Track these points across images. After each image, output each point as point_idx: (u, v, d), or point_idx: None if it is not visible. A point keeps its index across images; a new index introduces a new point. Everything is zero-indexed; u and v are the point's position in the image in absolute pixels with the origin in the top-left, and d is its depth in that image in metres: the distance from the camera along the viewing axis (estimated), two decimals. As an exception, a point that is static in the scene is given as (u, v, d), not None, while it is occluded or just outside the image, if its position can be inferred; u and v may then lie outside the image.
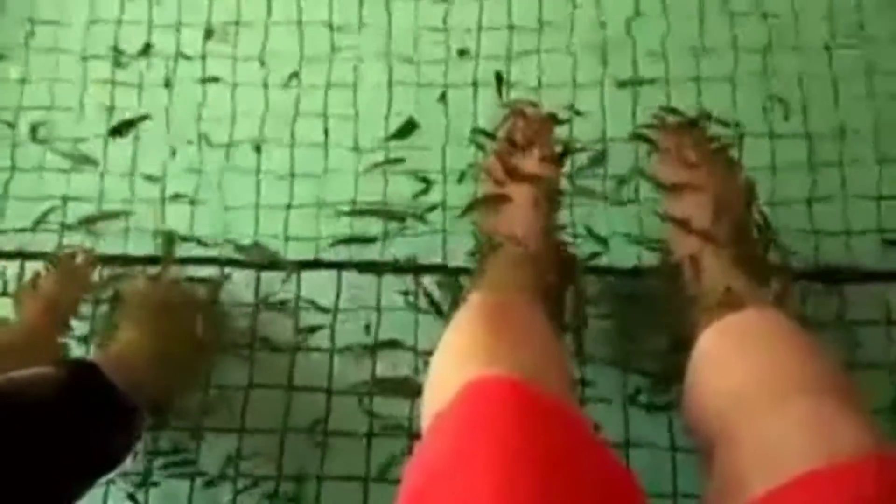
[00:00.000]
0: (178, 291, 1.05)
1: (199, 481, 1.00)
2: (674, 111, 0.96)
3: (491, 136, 0.92)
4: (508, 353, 0.61)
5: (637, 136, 0.98)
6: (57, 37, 1.19)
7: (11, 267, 1.10)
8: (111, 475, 0.86)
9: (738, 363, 0.65)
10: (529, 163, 0.86)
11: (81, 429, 0.77)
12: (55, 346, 0.98)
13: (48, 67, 1.18)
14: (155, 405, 0.94)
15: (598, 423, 0.94)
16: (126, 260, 1.09)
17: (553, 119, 0.91)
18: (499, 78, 1.12)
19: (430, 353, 0.70)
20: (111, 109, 1.15)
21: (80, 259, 1.04)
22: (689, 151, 0.84)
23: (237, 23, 1.18)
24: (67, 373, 0.78)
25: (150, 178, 1.12)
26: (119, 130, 1.14)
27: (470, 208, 0.92)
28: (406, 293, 1.04)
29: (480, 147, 1.00)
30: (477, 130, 1.05)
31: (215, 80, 1.16)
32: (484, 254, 0.85)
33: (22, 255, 1.10)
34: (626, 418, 0.97)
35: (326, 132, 1.12)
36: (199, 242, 1.09)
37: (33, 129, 1.15)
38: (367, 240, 1.07)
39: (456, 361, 0.62)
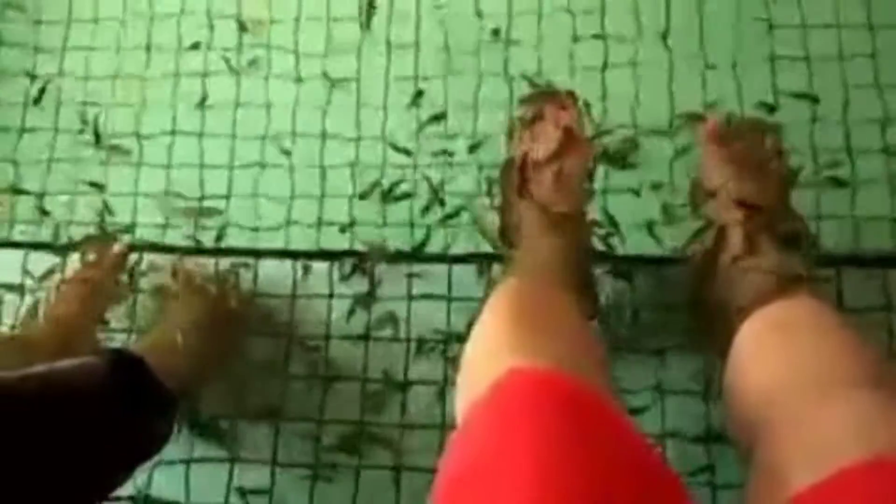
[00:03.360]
0: (217, 282, 1.05)
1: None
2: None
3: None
4: (544, 343, 0.60)
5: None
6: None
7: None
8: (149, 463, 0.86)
9: (782, 355, 0.64)
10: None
11: (123, 418, 0.78)
12: (91, 340, 0.98)
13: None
14: (185, 392, 0.93)
15: (634, 412, 0.93)
16: (163, 249, 1.10)
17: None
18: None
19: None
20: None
21: (115, 248, 1.04)
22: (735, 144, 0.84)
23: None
24: (110, 363, 0.79)
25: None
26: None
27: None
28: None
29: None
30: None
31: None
32: (516, 238, 0.85)
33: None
34: (663, 408, 0.95)
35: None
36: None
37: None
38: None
39: (491, 351, 0.62)
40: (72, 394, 0.75)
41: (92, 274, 1.00)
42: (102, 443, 0.76)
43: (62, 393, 0.74)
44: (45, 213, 1.14)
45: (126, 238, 1.10)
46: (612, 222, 1.02)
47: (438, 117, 1.10)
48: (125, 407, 0.78)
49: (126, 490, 0.96)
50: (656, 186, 1.03)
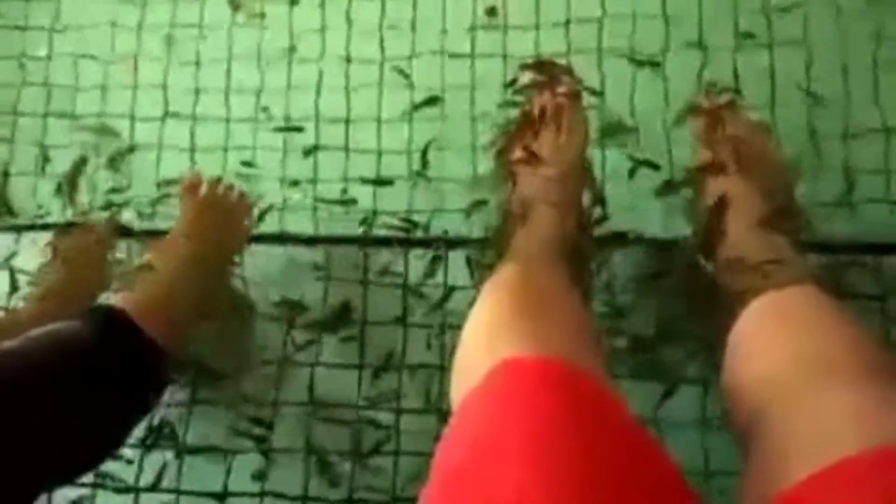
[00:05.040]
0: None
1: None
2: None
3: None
4: (541, 331, 0.60)
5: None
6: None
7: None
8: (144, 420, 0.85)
9: (782, 343, 0.64)
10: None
11: (109, 376, 0.76)
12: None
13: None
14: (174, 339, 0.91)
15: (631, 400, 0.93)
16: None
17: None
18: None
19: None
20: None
21: (103, 222, 1.03)
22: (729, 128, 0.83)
23: None
24: (89, 321, 0.77)
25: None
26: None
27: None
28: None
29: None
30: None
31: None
32: (512, 224, 0.84)
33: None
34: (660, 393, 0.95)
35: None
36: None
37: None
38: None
39: (487, 339, 0.61)
40: (49, 361, 0.73)
41: (79, 246, 0.99)
42: (92, 405, 0.74)
43: (39, 363, 0.72)
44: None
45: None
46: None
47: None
48: (111, 367, 0.76)
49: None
50: (653, 166, 1.03)
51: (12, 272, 1.08)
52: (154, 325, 0.80)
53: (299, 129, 1.12)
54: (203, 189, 0.98)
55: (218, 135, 1.14)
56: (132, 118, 1.16)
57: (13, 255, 1.10)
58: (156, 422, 1.00)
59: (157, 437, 1.00)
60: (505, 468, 0.47)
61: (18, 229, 1.12)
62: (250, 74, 1.15)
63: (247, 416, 1.00)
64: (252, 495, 0.98)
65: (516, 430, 0.50)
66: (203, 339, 1.01)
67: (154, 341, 0.80)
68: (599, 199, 0.94)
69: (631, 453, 0.51)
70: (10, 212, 1.14)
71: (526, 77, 0.95)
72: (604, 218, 0.99)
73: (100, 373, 0.75)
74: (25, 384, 0.70)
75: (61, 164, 1.15)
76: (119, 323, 0.79)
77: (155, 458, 1.00)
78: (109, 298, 0.86)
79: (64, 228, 1.06)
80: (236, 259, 1.02)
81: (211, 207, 0.97)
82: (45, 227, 1.10)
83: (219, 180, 1.00)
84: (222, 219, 0.97)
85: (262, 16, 1.17)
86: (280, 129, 1.13)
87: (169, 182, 1.11)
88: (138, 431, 0.95)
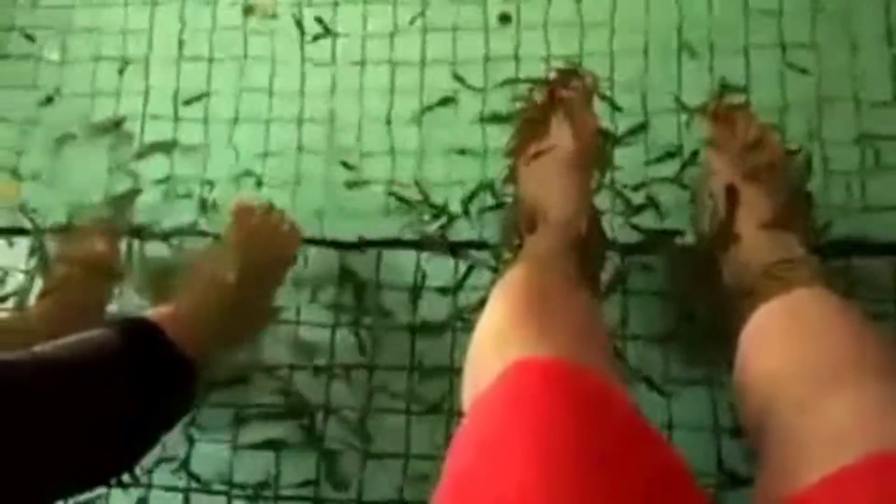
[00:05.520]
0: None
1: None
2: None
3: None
4: (551, 334, 0.60)
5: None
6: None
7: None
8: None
9: (792, 345, 0.64)
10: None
11: (138, 391, 0.76)
12: (98, 319, 0.97)
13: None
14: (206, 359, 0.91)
15: (640, 401, 0.92)
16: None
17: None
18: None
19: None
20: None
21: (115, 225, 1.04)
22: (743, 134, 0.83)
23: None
24: (122, 334, 0.77)
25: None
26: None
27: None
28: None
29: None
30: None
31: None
32: (524, 227, 0.84)
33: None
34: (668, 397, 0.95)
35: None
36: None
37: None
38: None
39: (498, 341, 0.61)
40: (83, 369, 0.72)
41: (92, 251, 1.00)
42: (120, 418, 0.74)
43: (72, 370, 0.72)
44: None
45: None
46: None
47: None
48: (140, 379, 0.76)
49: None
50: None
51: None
52: (186, 342, 0.80)
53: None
54: (255, 217, 0.96)
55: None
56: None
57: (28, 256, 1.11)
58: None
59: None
60: (509, 468, 0.48)
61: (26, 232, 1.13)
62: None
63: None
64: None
65: (522, 430, 0.50)
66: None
67: (185, 358, 0.80)
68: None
69: (636, 451, 0.51)
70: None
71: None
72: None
73: (130, 384, 0.75)
74: (56, 392, 0.70)
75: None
76: (152, 337, 0.79)
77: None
78: (146, 311, 0.86)
79: (71, 229, 1.06)
80: (277, 286, 1.00)
81: (259, 235, 0.95)
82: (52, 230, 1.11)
83: (271, 207, 0.99)
84: (269, 248, 0.96)
85: (275, 16, 1.17)
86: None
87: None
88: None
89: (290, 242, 0.99)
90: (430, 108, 1.10)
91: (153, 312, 0.83)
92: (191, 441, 1.02)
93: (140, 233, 1.09)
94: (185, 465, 1.01)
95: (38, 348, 0.72)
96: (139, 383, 0.76)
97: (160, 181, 1.12)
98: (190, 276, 0.93)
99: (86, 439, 0.71)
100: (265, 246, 0.95)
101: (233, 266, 0.91)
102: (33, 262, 1.10)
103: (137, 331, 0.79)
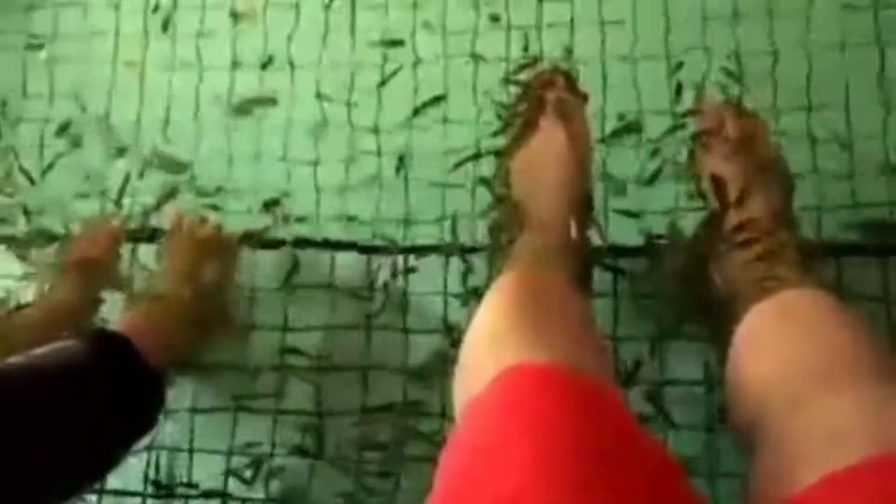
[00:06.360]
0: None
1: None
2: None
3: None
4: (545, 337, 0.60)
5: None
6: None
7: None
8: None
9: (785, 345, 0.64)
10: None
11: (108, 403, 0.77)
12: (87, 324, 0.97)
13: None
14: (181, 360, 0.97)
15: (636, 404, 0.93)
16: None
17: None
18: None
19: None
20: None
21: (111, 226, 1.04)
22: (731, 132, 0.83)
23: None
24: (92, 346, 0.78)
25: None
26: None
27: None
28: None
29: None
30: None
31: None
32: (515, 229, 0.84)
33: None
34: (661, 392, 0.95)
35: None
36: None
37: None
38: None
39: (491, 345, 0.61)
40: (55, 382, 0.73)
41: (88, 254, 0.99)
42: (89, 428, 0.76)
43: (45, 382, 0.73)
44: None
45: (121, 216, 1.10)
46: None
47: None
48: (109, 392, 0.77)
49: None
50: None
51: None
52: (154, 348, 0.82)
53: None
54: (186, 227, 1.01)
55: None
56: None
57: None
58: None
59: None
60: (506, 471, 0.48)
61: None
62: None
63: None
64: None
65: (518, 434, 0.50)
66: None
67: (152, 366, 0.82)
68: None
69: (634, 452, 0.51)
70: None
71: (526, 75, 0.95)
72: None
73: (102, 395, 0.76)
74: (27, 402, 0.70)
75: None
76: (120, 347, 0.80)
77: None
78: (110, 324, 0.89)
79: (71, 236, 1.06)
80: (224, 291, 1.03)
81: (194, 243, 0.99)
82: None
83: (203, 217, 1.04)
84: (205, 255, 0.99)
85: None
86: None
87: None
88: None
89: (225, 247, 1.03)
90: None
91: (119, 324, 0.86)
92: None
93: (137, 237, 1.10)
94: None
95: (11, 359, 0.73)
96: (110, 394, 0.77)
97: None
98: (153, 288, 0.96)
99: (56, 451, 0.72)
100: (201, 253, 0.99)
101: (173, 276, 0.94)
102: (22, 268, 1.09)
103: (107, 342, 0.80)
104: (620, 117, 1.05)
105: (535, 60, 1.07)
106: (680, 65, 1.05)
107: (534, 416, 0.51)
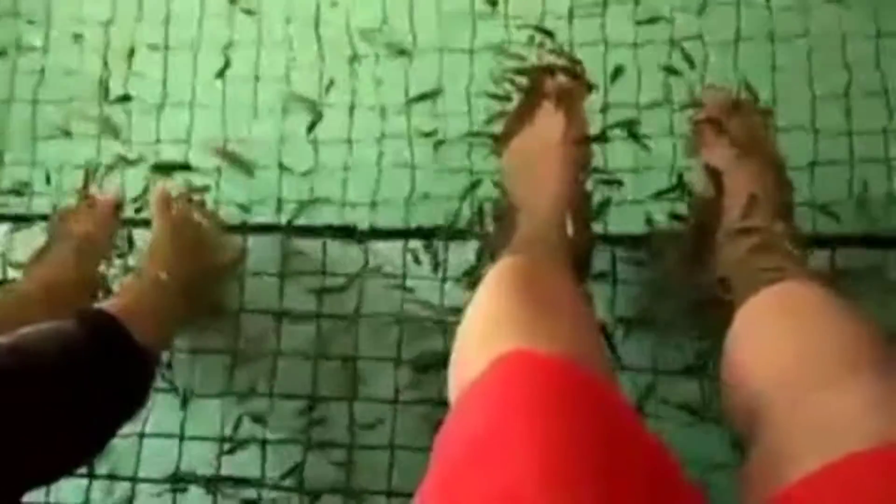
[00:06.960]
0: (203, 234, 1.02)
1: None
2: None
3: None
4: (542, 326, 0.59)
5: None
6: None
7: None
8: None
9: (783, 338, 0.63)
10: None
11: (98, 383, 0.77)
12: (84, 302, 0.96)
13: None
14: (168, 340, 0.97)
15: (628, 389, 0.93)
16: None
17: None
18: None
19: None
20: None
21: (107, 199, 1.02)
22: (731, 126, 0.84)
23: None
24: (81, 327, 0.78)
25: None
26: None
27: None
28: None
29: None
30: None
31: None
32: (511, 216, 0.84)
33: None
34: (655, 385, 0.95)
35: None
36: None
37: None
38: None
39: (486, 332, 0.61)
40: (43, 360, 0.73)
41: (83, 228, 0.98)
42: (80, 409, 0.75)
43: (33, 361, 0.72)
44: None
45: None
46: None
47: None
48: (99, 372, 0.77)
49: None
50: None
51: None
52: (143, 328, 0.82)
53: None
54: (173, 206, 0.98)
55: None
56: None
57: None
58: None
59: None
60: (504, 462, 0.47)
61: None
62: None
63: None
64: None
65: (516, 423, 0.49)
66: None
67: (142, 345, 0.81)
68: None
69: (631, 446, 0.51)
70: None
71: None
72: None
73: (92, 375, 0.76)
74: (19, 382, 0.70)
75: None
76: (110, 326, 0.80)
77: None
78: (101, 302, 0.88)
79: (67, 208, 1.04)
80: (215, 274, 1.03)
81: (180, 222, 0.97)
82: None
83: (189, 196, 1.02)
84: (191, 236, 0.98)
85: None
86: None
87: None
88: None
89: (210, 228, 1.02)
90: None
91: (108, 303, 0.85)
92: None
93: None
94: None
95: (1, 338, 0.73)
96: (101, 374, 0.77)
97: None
98: (142, 266, 0.94)
99: (49, 429, 0.72)
100: (187, 233, 0.97)
101: (159, 256, 0.92)
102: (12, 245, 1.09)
103: (98, 322, 0.80)
104: (618, 107, 1.04)
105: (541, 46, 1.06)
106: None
107: (532, 406, 0.50)
